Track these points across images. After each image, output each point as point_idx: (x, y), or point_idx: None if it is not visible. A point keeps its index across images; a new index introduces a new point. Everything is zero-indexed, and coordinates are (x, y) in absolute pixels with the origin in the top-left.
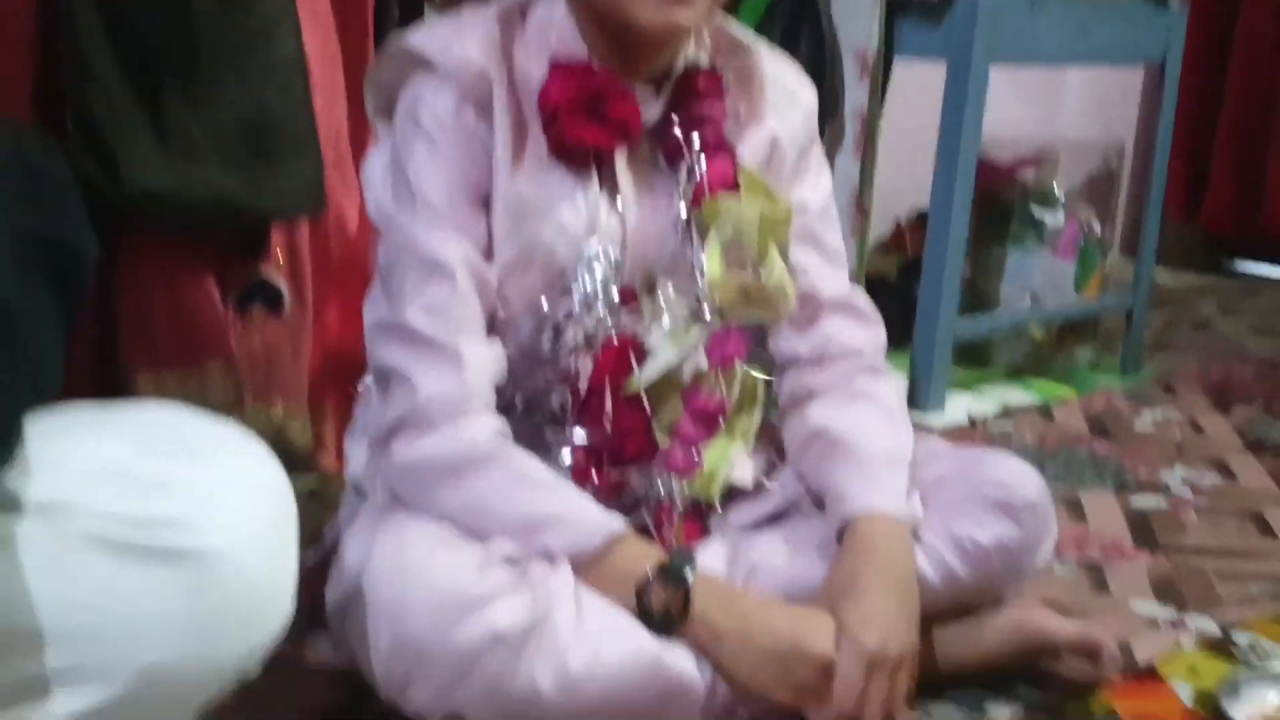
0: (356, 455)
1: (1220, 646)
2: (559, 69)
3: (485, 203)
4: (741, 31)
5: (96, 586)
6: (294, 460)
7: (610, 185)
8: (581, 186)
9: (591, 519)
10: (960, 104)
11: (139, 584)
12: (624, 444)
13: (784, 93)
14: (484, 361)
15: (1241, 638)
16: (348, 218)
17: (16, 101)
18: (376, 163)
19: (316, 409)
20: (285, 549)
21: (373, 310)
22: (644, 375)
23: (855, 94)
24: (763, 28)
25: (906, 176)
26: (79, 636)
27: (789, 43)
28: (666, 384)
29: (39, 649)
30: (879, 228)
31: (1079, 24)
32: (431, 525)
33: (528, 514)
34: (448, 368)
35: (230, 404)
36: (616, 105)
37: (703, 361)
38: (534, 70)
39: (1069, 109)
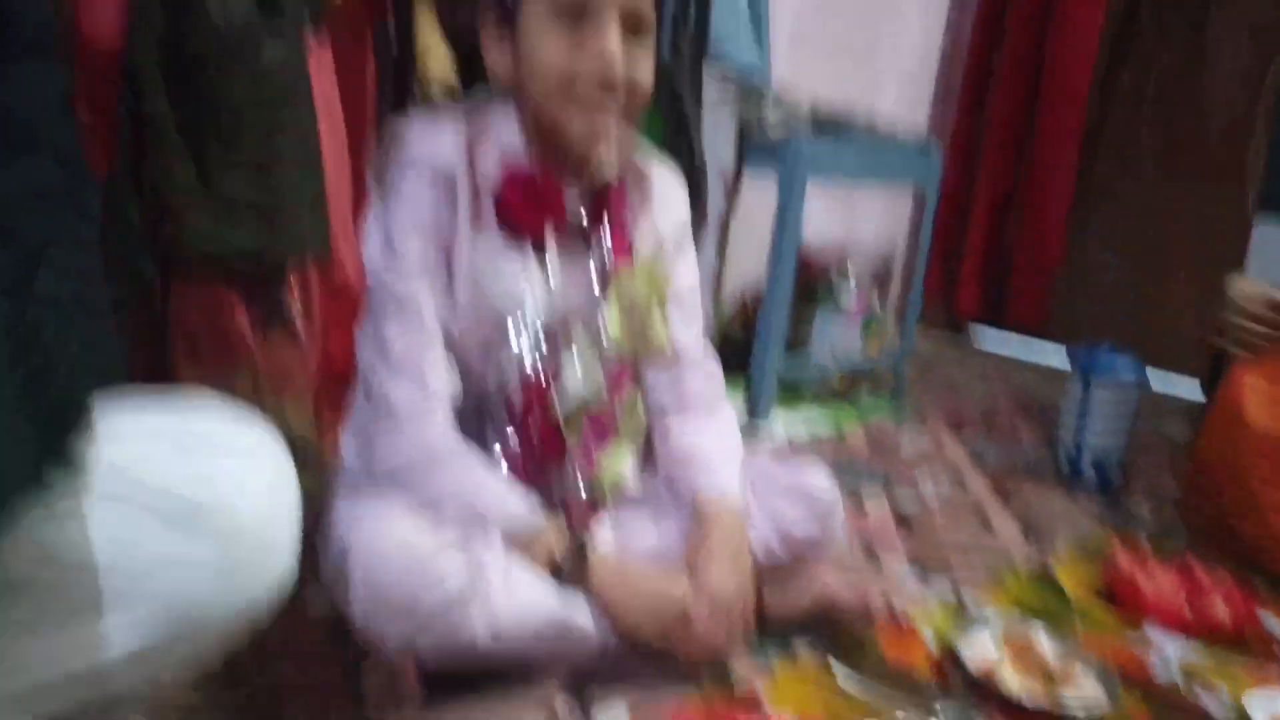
0: (348, 445)
1: (954, 604)
2: (509, 170)
3: (448, 260)
4: (641, 144)
5: (149, 542)
6: (298, 446)
7: (543, 258)
8: (522, 257)
9: (522, 513)
10: (787, 209)
11: (179, 541)
12: (545, 448)
13: (667, 196)
14: (442, 377)
15: (968, 597)
16: (346, 263)
17: (100, 157)
18: (370, 223)
19: (318, 407)
20: (289, 516)
21: (362, 336)
22: (563, 399)
23: (716, 201)
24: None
25: (751, 264)
26: (133, 577)
27: (671, 157)
28: (576, 405)
29: (97, 589)
30: (729, 302)
31: (869, 155)
32: (398, 504)
33: (475, 504)
34: (414, 381)
35: (253, 402)
36: (550, 200)
37: (602, 389)
38: (489, 164)
39: (862, 218)
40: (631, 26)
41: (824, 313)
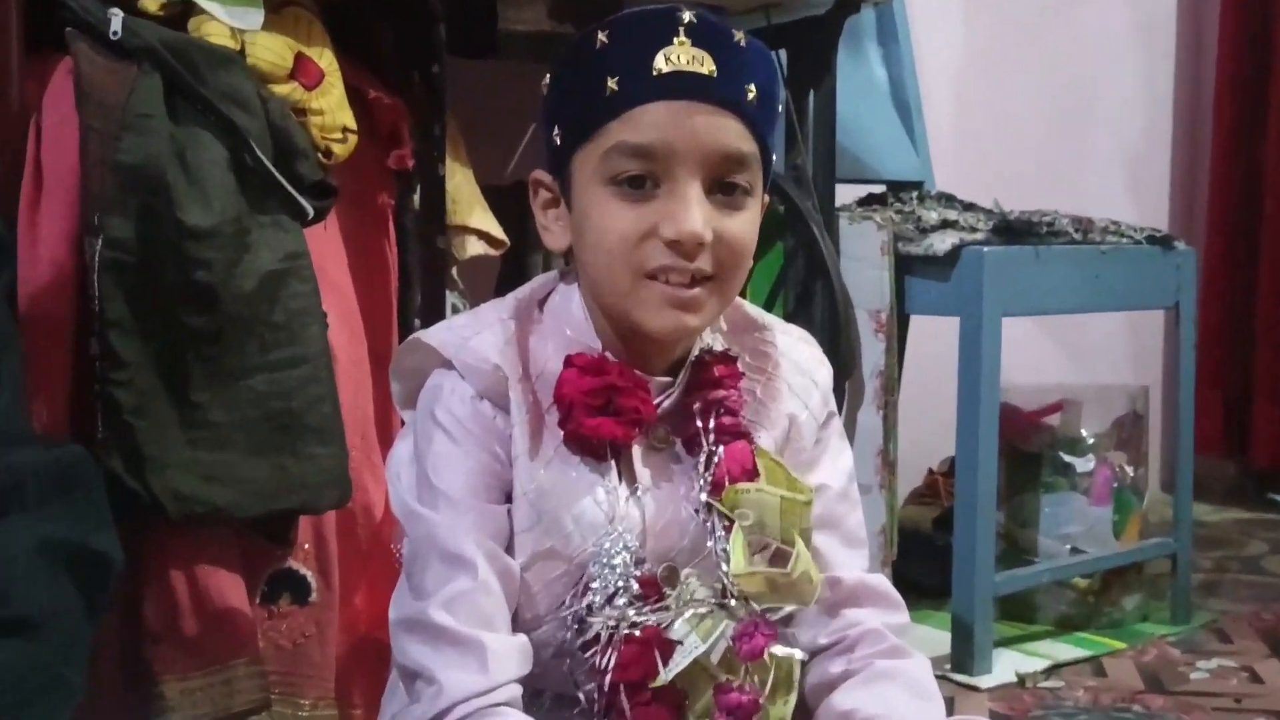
0: None
1: None
2: (573, 363)
3: (506, 495)
4: (755, 311)
5: None
6: None
7: (628, 475)
8: (600, 478)
9: None
10: (975, 357)
11: None
12: None
13: (800, 372)
14: (509, 654)
15: None
16: (374, 504)
17: (51, 401)
18: (400, 454)
19: (344, 698)
20: None
21: (397, 607)
22: (669, 669)
23: (872, 351)
24: (776, 291)
25: (936, 424)
26: None
27: (803, 304)
28: (697, 671)
29: None
30: (911, 478)
31: (1089, 273)
32: None
33: None
34: (472, 662)
35: (257, 704)
36: (629, 398)
37: (731, 651)
38: (550, 363)
39: (1091, 352)
40: (721, 183)
41: (1051, 492)
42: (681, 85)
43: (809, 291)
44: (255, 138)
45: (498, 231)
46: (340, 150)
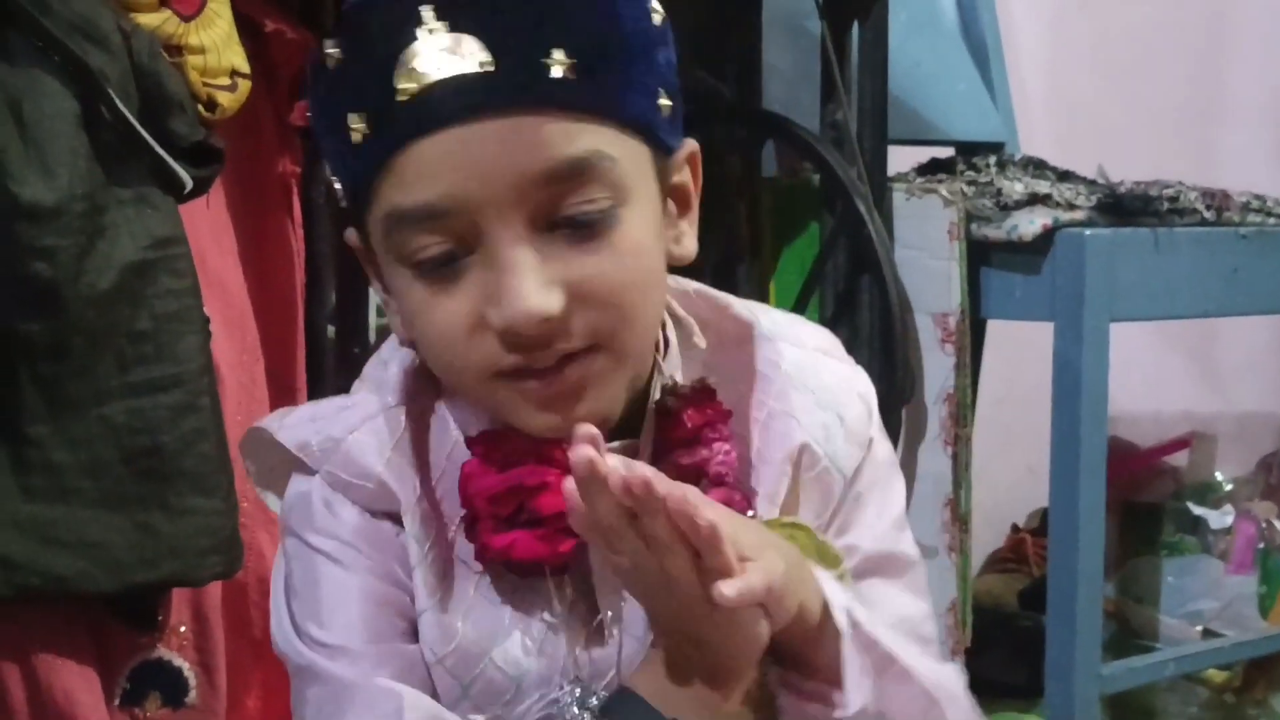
0: None
1: None
2: (477, 444)
3: (414, 627)
4: (748, 311)
5: None
6: None
7: (586, 594)
8: (540, 610)
9: None
10: (1075, 376)
11: None
12: None
13: (820, 405)
14: None
15: None
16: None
17: None
18: (279, 581)
19: None
20: None
21: None
22: None
23: (938, 369)
24: (810, 288)
25: (1022, 466)
26: None
27: (845, 307)
28: None
29: None
30: (990, 538)
31: (1225, 265)
32: None
33: None
34: None
35: None
36: (549, 496)
37: None
38: (457, 451)
39: (1228, 371)
40: (558, 216)
41: (1175, 556)
42: (446, 103)
43: (853, 289)
44: (114, 84)
45: None
46: (228, 101)
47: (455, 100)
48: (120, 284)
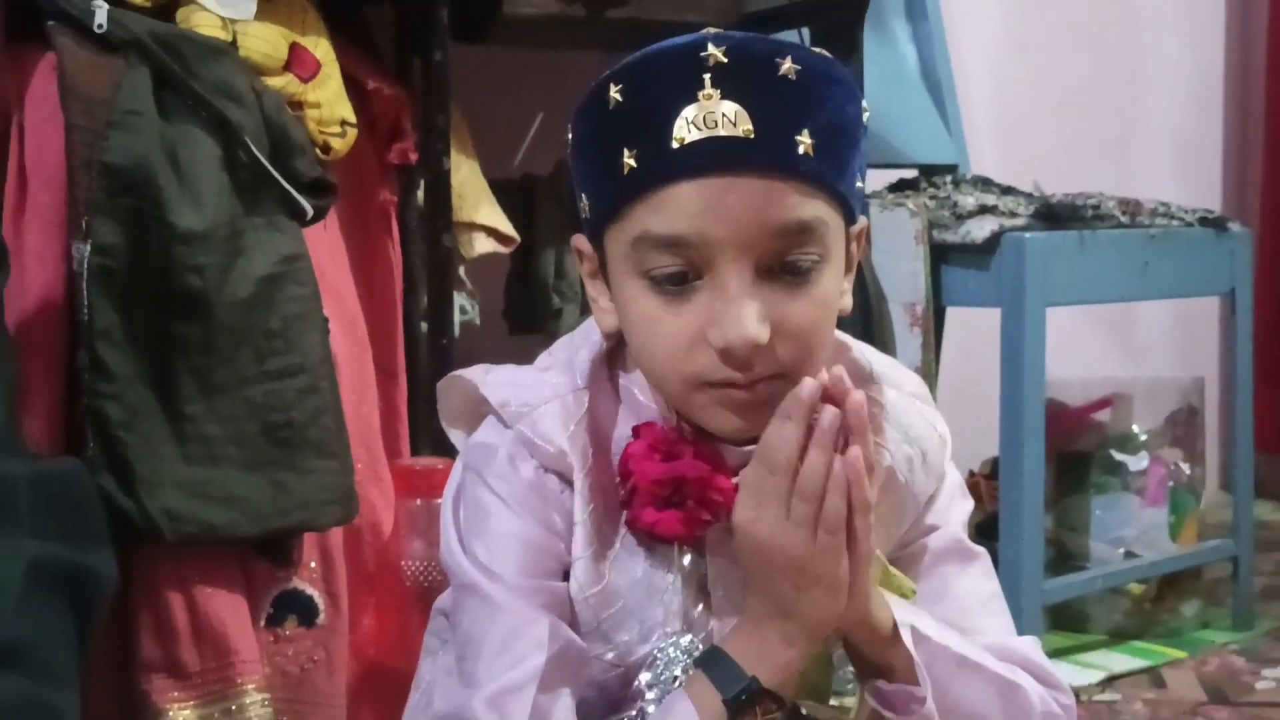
0: None
1: None
2: (641, 436)
3: (566, 572)
4: (865, 357)
5: None
6: None
7: (699, 567)
8: (666, 574)
9: None
10: (1018, 351)
11: None
12: None
13: (909, 440)
14: None
15: None
16: (382, 521)
17: (39, 416)
18: (449, 505)
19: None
20: None
21: (443, 696)
22: None
23: (907, 348)
24: None
25: (976, 424)
26: None
27: None
28: None
29: None
30: None
31: (1137, 259)
32: None
33: None
34: None
35: None
36: (702, 488)
37: None
38: (624, 442)
39: (1142, 344)
40: (780, 263)
41: (1102, 494)
42: (712, 157)
43: None
44: (249, 133)
45: (507, 227)
46: (339, 145)
47: (719, 156)
48: (256, 292)
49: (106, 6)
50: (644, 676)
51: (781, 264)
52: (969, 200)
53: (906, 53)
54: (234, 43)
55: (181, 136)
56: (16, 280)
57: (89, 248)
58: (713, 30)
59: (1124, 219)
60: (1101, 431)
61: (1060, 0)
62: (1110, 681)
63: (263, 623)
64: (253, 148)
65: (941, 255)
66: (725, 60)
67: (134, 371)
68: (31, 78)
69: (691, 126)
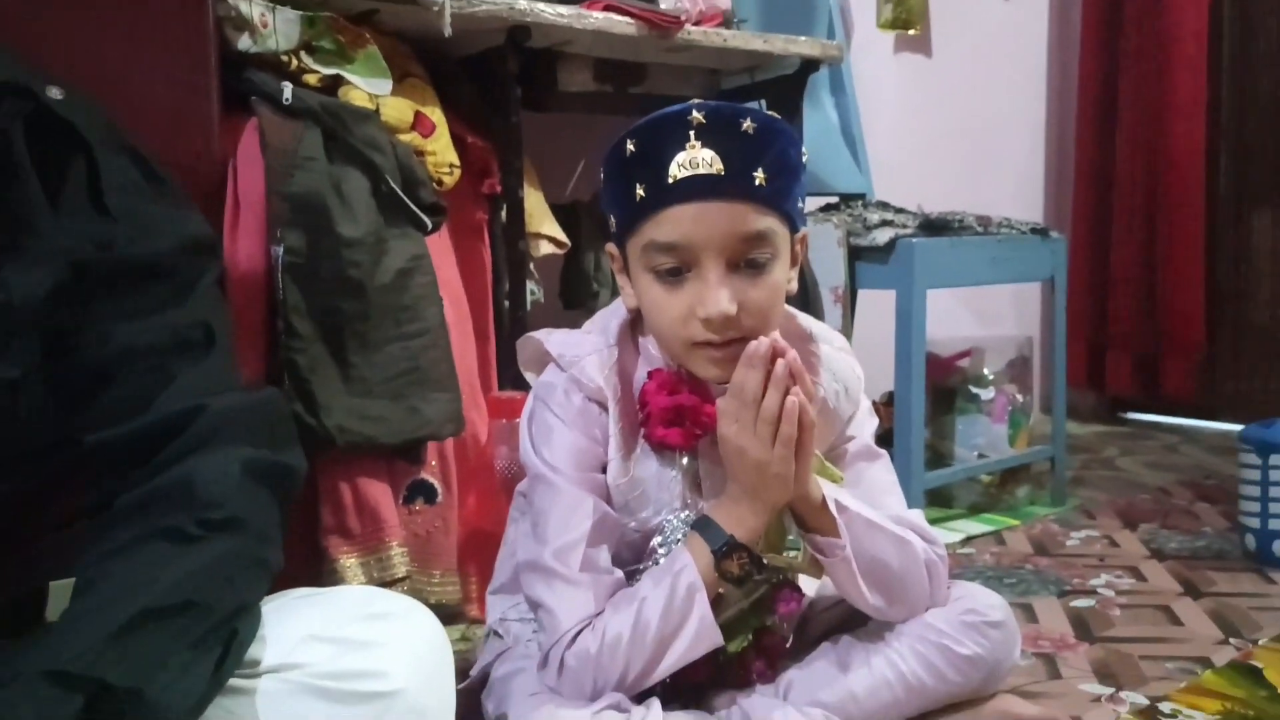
0: (495, 607)
1: (1150, 715)
2: (653, 378)
3: (603, 467)
4: (807, 322)
5: (312, 715)
6: (448, 614)
7: (692, 465)
8: (670, 469)
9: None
10: (908, 320)
11: (339, 712)
12: (695, 674)
13: (836, 379)
14: (607, 588)
15: (1166, 706)
16: (480, 434)
17: (252, 365)
18: (526, 423)
19: (463, 571)
20: (446, 684)
21: (524, 548)
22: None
23: (833, 317)
24: None
25: (878, 368)
26: None
27: None
28: (738, 618)
29: None
30: None
31: (989, 255)
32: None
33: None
34: (579, 596)
35: (403, 575)
36: (695, 413)
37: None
38: (636, 387)
39: (991, 312)
40: (744, 260)
41: (964, 415)
42: (695, 188)
43: None
44: (388, 172)
45: (562, 236)
46: (449, 180)
47: (701, 188)
48: (395, 280)
49: (291, 86)
50: (656, 539)
51: (745, 261)
52: (874, 217)
53: (831, 115)
54: (377, 110)
55: (343, 175)
56: (233, 270)
57: (282, 249)
58: (696, 101)
59: (979, 229)
60: (963, 373)
61: (935, 78)
62: (968, 540)
63: (400, 501)
64: (391, 182)
65: (856, 254)
66: (704, 121)
67: (314, 333)
68: (241, 135)
69: (681, 167)
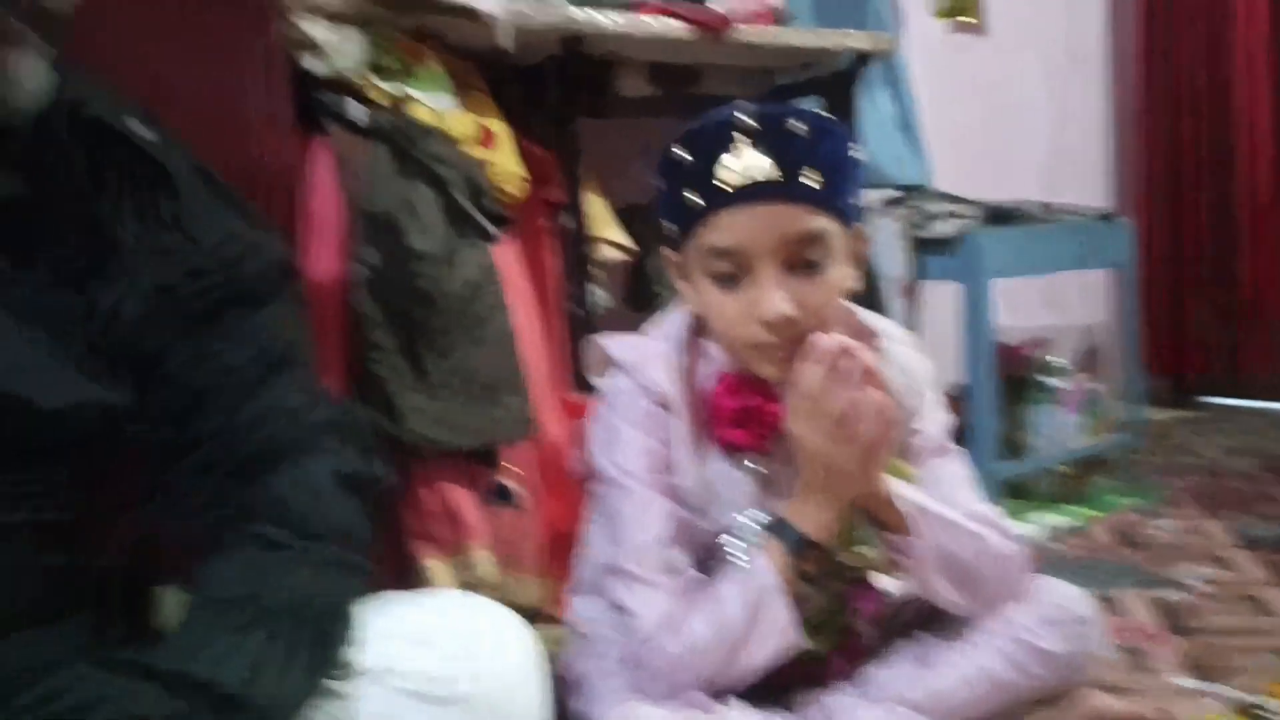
0: (576, 606)
1: (1248, 711)
2: (721, 382)
3: (670, 469)
4: (870, 319)
5: (407, 716)
6: (531, 614)
7: (761, 465)
8: (739, 470)
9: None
10: (976, 310)
11: (434, 714)
12: (780, 678)
13: (904, 373)
14: (681, 587)
15: (1259, 699)
16: (554, 434)
17: (333, 376)
18: (596, 427)
19: (546, 573)
20: (536, 685)
21: (603, 553)
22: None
23: (896, 311)
24: None
25: (944, 362)
26: None
27: None
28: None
29: None
30: None
31: (1055, 243)
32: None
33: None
34: (658, 598)
35: (490, 577)
36: (762, 414)
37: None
38: (708, 383)
39: (1061, 300)
40: (798, 265)
41: (1038, 405)
42: (747, 193)
43: None
44: (456, 186)
45: (624, 240)
46: (515, 190)
47: (755, 192)
48: (465, 289)
49: (362, 107)
50: (727, 538)
51: (801, 261)
52: (936, 208)
53: (888, 107)
54: (442, 125)
55: (413, 190)
56: (310, 289)
57: (357, 264)
58: (741, 103)
59: (1044, 217)
60: (1036, 364)
61: (994, 65)
62: (1048, 533)
63: (481, 504)
64: (458, 196)
65: (920, 246)
66: (751, 123)
67: (392, 345)
68: (314, 153)
69: (730, 171)
